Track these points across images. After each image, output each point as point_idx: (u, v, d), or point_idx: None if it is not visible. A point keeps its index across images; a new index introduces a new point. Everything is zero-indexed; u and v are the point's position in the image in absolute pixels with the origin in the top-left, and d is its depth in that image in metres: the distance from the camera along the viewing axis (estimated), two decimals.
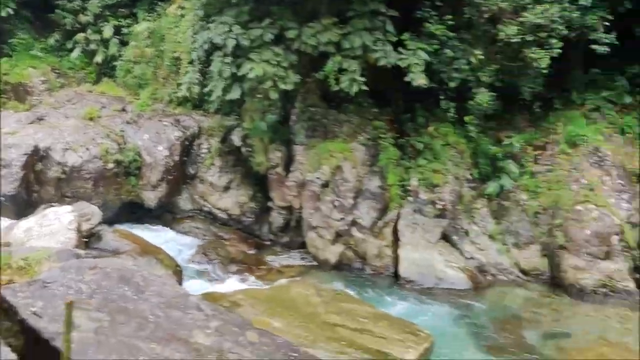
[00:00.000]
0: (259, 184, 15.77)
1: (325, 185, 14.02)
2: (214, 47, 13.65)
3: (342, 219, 13.89)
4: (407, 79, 12.84)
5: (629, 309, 12.18)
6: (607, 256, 12.69)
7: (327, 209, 13.98)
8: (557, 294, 12.90)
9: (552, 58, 12.69)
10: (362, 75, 12.97)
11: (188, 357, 5.38)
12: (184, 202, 16.40)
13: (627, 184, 13.15)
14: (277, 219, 15.29)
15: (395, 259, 13.79)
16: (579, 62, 14.10)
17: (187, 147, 16.33)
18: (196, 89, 15.10)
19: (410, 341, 10.18)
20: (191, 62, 15.41)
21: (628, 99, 13.83)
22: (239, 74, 13.29)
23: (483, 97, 13.12)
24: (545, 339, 11.48)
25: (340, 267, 14.11)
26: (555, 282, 13.14)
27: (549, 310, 12.48)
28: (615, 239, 12.70)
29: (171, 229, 15.81)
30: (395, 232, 13.93)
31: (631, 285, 12.58)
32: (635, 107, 13.85)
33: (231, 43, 13.19)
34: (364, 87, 13.03)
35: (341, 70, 13.08)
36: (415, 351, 9.97)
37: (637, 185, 13.21)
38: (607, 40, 12.57)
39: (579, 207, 12.98)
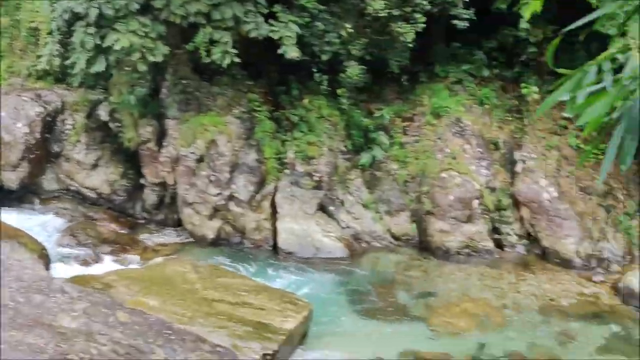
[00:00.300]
0: (130, 160, 15.14)
1: (200, 160, 13.76)
2: (76, 17, 12.78)
3: (218, 193, 13.74)
4: (279, 51, 12.83)
5: (489, 267, 13.19)
6: (469, 219, 13.61)
7: (203, 184, 13.76)
8: (426, 257, 13.65)
9: (417, 32, 13.21)
10: (234, 47, 12.76)
11: (52, 342, 5.11)
12: (48, 182, 15.39)
13: (485, 152, 14.11)
14: (150, 196, 14.81)
15: (274, 232, 13.90)
16: (441, 37, 14.84)
17: (50, 124, 15.27)
18: (57, 62, 14.06)
19: (290, 310, 10.37)
20: (50, 33, 14.33)
21: (486, 72, 14.77)
22: (104, 45, 12.56)
23: (354, 70, 13.43)
24: (415, 299, 12.16)
25: (218, 242, 14.00)
26: (424, 246, 13.88)
27: (418, 272, 13.20)
28: (475, 203, 13.63)
29: (36, 211, 14.84)
30: (273, 205, 14.01)
31: (490, 245, 13.61)
32: (492, 80, 14.82)
33: (94, 12, 12.41)
34: (237, 59, 12.83)
35: (212, 42, 12.78)
36: (294, 320, 10.19)
37: (494, 153, 14.23)
38: (466, 16, 13.30)
39: (443, 175, 13.76)
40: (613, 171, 13.78)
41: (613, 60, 1.71)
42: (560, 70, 1.79)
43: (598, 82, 1.72)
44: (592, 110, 1.61)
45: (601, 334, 10.91)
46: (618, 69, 1.77)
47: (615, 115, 1.69)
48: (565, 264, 13.06)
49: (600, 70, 1.72)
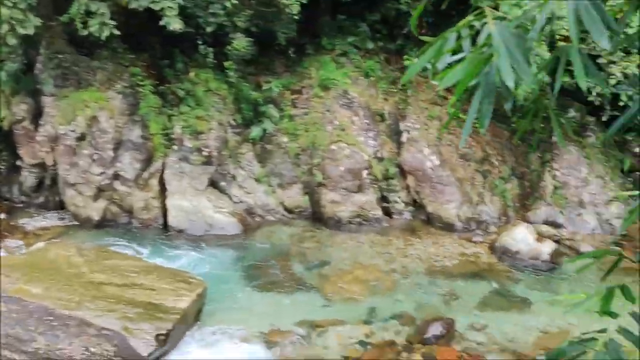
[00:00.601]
0: (4, 140, 14.08)
1: (81, 138, 13.07)
2: None
3: (102, 173, 13.16)
4: (162, 23, 12.35)
5: (379, 234, 13.67)
6: (359, 189, 14.00)
7: (86, 164, 13.11)
8: (319, 228, 13.91)
9: (302, 4, 13.22)
10: (112, 19, 12.15)
11: None
12: None
13: (372, 123, 14.49)
14: (28, 178, 13.92)
15: (164, 210, 13.55)
16: (327, 9, 14.95)
17: None
18: None
19: (183, 289, 10.19)
20: None
21: (370, 45, 15.09)
22: None
23: (240, 43, 13.24)
24: (310, 270, 12.38)
25: (104, 224, 13.45)
26: (317, 217, 14.12)
27: (312, 243, 13.43)
28: (365, 173, 14.02)
29: None
30: (161, 182, 13.63)
31: (379, 213, 14.09)
32: (376, 52, 15.18)
33: None
34: (116, 32, 12.24)
35: (89, 13, 12.08)
36: (188, 298, 10.03)
37: (380, 124, 14.65)
38: None
39: (333, 147, 14.00)
40: (489, 138, 14.67)
41: (471, 27, 1.78)
42: (423, 38, 1.85)
43: (457, 49, 1.79)
44: (451, 77, 1.68)
45: (481, 290, 11.68)
46: (476, 36, 1.85)
47: (475, 81, 1.78)
48: (448, 227, 13.81)
49: (459, 37, 1.79)
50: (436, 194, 14.03)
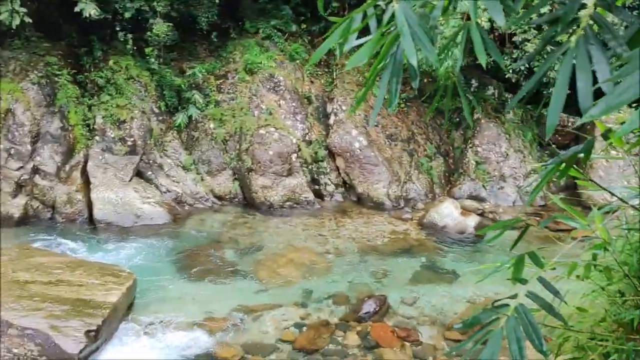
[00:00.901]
0: None
1: None
2: None
3: (20, 167, 12.58)
4: (77, 9, 11.87)
5: (311, 217, 13.78)
6: (289, 173, 14.03)
7: (2, 159, 12.49)
8: (251, 213, 13.86)
9: None
10: (23, 6, 11.56)
11: None
12: None
13: (299, 107, 14.51)
14: None
15: (89, 203, 13.13)
16: None
17: None
18: None
19: (112, 283, 9.94)
20: None
21: (294, 27, 15.05)
22: None
23: (160, 28, 12.92)
24: (243, 256, 12.33)
25: (27, 220, 12.88)
26: (248, 203, 14.07)
27: (245, 229, 13.37)
28: (294, 157, 14.05)
29: None
30: (85, 174, 13.19)
31: (310, 196, 14.18)
32: (300, 35, 15.17)
33: None
34: (28, 19, 11.67)
35: None
36: (118, 291, 9.79)
37: (308, 107, 14.69)
38: None
39: (261, 131, 13.94)
40: (415, 118, 15.00)
41: (376, 6, 1.81)
42: (331, 18, 1.87)
43: (364, 28, 1.81)
44: (357, 57, 1.70)
45: (412, 266, 12.00)
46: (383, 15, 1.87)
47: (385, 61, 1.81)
48: (378, 206, 14.08)
49: (365, 17, 1.81)
50: (365, 174, 14.25)
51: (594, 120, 1.66)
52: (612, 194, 2.79)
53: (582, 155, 2.02)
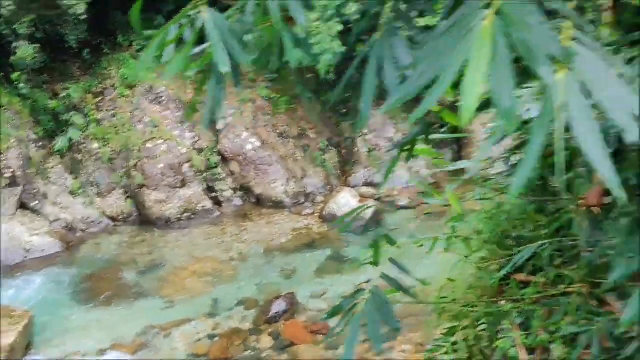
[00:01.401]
0: None
1: None
2: None
3: None
4: None
5: (211, 225, 13.61)
6: (183, 184, 13.77)
7: None
8: (148, 230, 13.48)
9: (90, 3, 12.53)
10: None
11: None
12: None
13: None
14: None
15: None
16: (117, 4, 14.28)
17: None
18: None
19: (6, 325, 9.43)
20: None
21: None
22: None
23: (26, 51, 12.24)
24: (144, 275, 11.98)
25: None
26: (144, 220, 13.68)
27: (143, 247, 12.99)
28: (186, 167, 13.81)
29: None
30: None
31: (208, 204, 13.99)
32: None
33: None
34: None
35: None
36: (13, 332, 9.31)
37: (194, 115, 14.47)
38: None
39: (148, 145, 13.59)
40: (303, 114, 15.16)
41: (188, 16, 1.83)
42: (147, 33, 1.86)
43: (179, 37, 1.82)
44: (171, 68, 1.72)
45: (317, 259, 12.16)
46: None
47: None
48: (278, 205, 14.13)
49: (181, 27, 1.83)
50: (261, 175, 14.26)
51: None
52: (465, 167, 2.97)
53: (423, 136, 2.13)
